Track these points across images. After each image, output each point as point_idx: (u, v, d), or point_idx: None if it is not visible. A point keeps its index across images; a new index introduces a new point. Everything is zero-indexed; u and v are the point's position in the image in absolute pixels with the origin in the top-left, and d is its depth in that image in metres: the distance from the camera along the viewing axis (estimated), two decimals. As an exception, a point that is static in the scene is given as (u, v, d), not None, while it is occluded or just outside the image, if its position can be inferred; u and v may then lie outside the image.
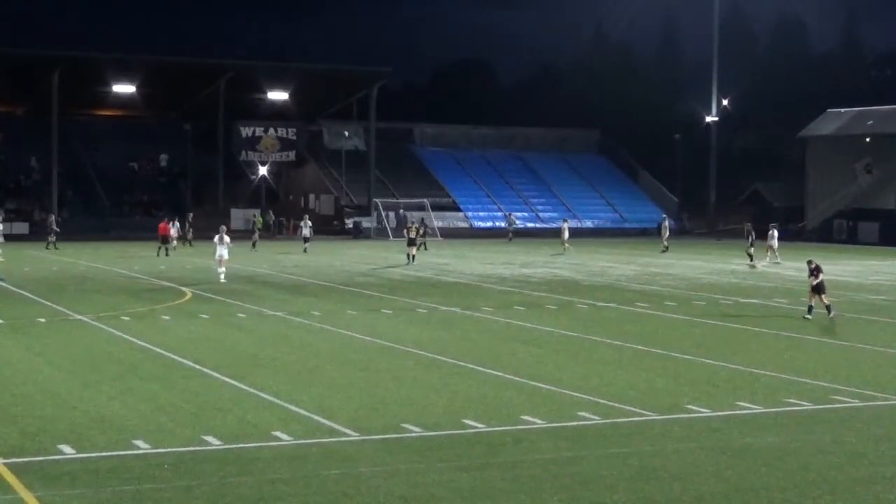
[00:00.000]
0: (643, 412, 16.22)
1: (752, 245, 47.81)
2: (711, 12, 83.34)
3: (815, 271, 28.11)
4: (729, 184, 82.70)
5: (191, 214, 64.77)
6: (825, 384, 18.58)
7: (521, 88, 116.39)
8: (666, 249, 55.97)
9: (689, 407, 16.61)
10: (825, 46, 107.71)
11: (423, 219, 64.66)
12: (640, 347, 22.72)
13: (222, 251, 37.86)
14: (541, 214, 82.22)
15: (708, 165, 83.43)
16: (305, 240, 55.73)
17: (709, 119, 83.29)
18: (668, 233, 58.54)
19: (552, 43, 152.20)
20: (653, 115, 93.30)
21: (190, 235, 59.62)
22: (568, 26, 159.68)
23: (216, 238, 38.56)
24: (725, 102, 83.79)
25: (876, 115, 75.01)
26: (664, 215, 65.57)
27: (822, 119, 78.38)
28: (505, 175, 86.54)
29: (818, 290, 28.03)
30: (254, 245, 55.48)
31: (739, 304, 31.85)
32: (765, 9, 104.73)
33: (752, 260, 47.37)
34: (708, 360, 21.04)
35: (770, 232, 49.52)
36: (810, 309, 28.06)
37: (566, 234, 56.99)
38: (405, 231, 51.20)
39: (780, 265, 46.90)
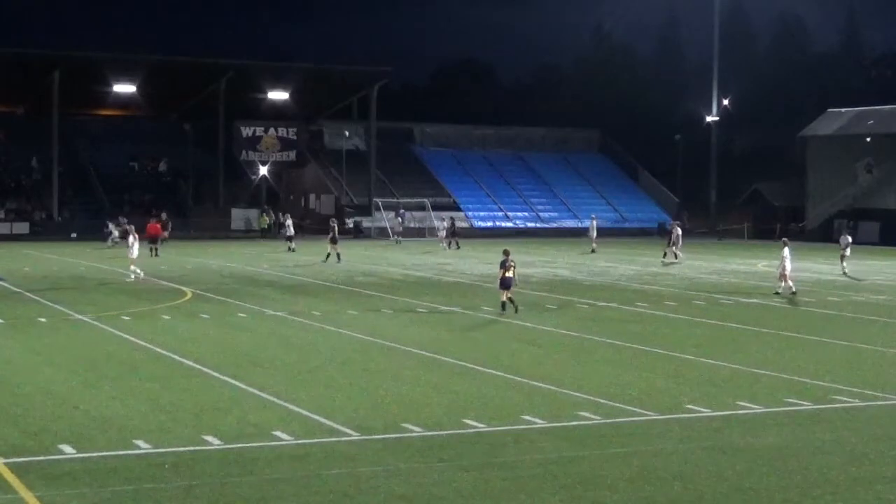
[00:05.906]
0: (643, 412, 16.22)
1: (671, 243, 50.05)
2: (711, 12, 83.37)
3: (505, 263, 28.01)
4: (729, 184, 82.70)
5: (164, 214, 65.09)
6: (825, 384, 18.58)
7: (521, 88, 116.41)
8: (594, 251, 55.44)
9: (689, 407, 16.61)
10: (825, 46, 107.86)
11: (452, 219, 65.05)
12: (640, 347, 22.71)
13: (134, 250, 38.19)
14: (541, 214, 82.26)
15: (708, 165, 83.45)
16: (290, 238, 56.38)
17: (709, 119, 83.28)
18: (595, 233, 58.04)
19: (552, 43, 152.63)
20: (653, 115, 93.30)
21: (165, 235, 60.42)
22: (568, 26, 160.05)
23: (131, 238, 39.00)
24: (725, 102, 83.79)
25: (876, 115, 75.03)
26: (592, 215, 63.86)
27: (822, 119, 78.39)
28: (505, 175, 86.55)
29: (504, 284, 28.09)
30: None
31: (739, 304, 31.86)
32: (765, 9, 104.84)
33: (665, 257, 49.46)
34: (708, 360, 21.04)
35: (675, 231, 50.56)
36: (503, 305, 28.25)
37: (443, 233, 60.77)
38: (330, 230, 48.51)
39: (680, 264, 47.68)
